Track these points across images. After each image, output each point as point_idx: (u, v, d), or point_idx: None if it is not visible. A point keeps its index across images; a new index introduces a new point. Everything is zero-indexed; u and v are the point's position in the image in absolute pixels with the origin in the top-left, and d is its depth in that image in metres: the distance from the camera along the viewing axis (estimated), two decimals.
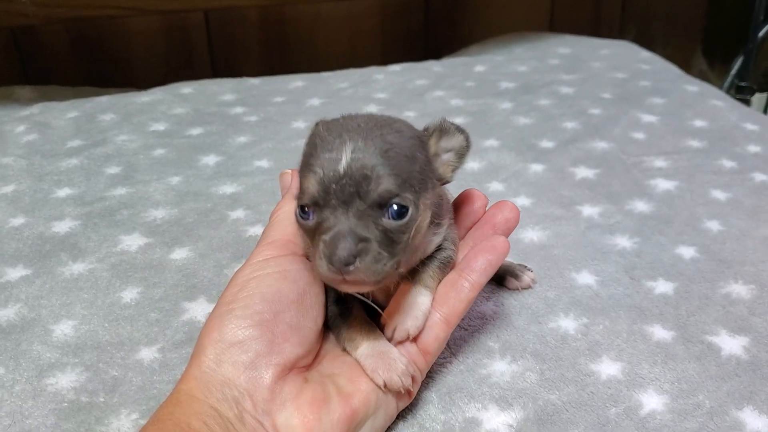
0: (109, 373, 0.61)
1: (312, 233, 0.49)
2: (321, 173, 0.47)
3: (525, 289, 0.72)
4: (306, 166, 0.49)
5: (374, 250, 0.46)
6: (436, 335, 0.55)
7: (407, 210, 0.48)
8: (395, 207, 0.47)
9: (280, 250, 0.54)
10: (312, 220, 0.48)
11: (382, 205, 0.47)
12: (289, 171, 0.61)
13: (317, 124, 0.54)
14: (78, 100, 1.23)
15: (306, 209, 0.49)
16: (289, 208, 0.57)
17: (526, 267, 0.73)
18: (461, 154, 0.55)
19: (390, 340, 0.54)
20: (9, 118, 1.15)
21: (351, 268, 0.45)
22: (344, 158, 0.47)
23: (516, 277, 0.72)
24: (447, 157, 0.54)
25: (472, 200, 0.61)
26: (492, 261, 0.55)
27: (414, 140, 0.51)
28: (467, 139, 0.54)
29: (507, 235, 0.59)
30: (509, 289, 0.72)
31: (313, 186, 0.48)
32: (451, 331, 0.56)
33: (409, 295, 0.55)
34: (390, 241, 0.47)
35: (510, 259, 0.74)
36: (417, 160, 0.50)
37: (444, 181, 0.55)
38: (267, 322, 0.49)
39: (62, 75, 1.57)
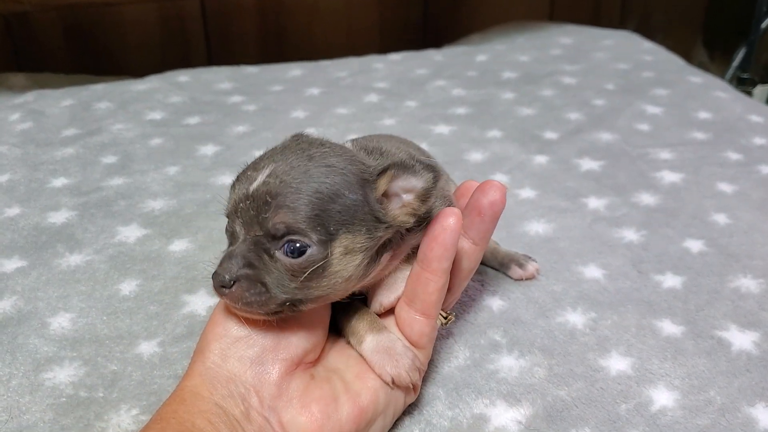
0: (108, 368, 0.59)
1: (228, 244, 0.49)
2: (237, 189, 0.47)
3: (529, 278, 0.71)
4: (235, 178, 0.49)
5: (256, 281, 0.45)
6: (419, 331, 0.52)
7: (305, 250, 0.45)
8: (289, 244, 0.45)
9: None
10: (228, 232, 0.48)
11: (276, 237, 0.45)
12: None
13: (292, 138, 0.53)
14: (73, 87, 1.21)
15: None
16: None
17: (530, 257, 0.72)
18: (423, 198, 0.48)
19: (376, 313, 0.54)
20: (2, 106, 1.13)
21: (225, 291, 0.45)
22: (257, 180, 0.46)
23: (520, 266, 0.71)
24: (407, 198, 0.49)
25: (469, 192, 0.58)
26: (445, 242, 0.49)
27: (348, 177, 0.46)
28: (432, 180, 0.48)
29: (496, 217, 0.53)
30: (513, 278, 0.71)
31: (229, 199, 0.47)
32: (437, 323, 0.53)
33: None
34: (284, 278, 0.45)
35: (516, 251, 0.74)
36: (340, 200, 0.45)
37: (399, 225, 0.49)
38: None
39: (55, 63, 1.55)
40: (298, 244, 0.45)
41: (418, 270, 0.51)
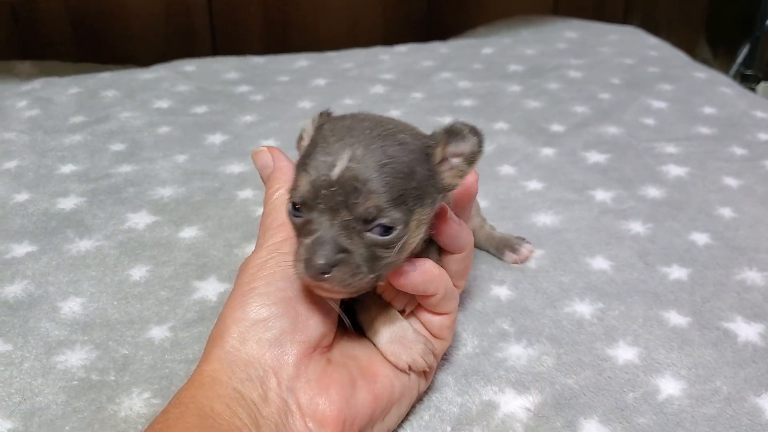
0: (119, 352, 0.60)
1: (299, 230, 0.48)
2: (314, 175, 0.46)
3: (523, 262, 0.72)
4: (302, 164, 0.48)
5: (353, 263, 0.45)
6: (440, 324, 0.54)
7: (393, 229, 0.46)
8: (380, 225, 0.46)
9: (292, 231, 0.53)
10: (301, 219, 0.48)
11: (368, 220, 0.46)
12: (264, 148, 0.59)
13: (321, 115, 0.53)
14: (79, 75, 1.21)
15: (297, 206, 0.48)
16: (286, 189, 0.56)
17: (524, 240, 0.73)
18: (471, 160, 0.50)
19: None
20: (10, 93, 1.13)
21: (326, 276, 0.45)
22: (339, 165, 0.46)
23: (514, 250, 0.72)
24: (455, 161, 0.50)
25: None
26: (411, 284, 0.50)
27: (417, 153, 0.48)
28: (479, 143, 0.50)
29: (453, 235, 0.53)
30: (509, 263, 0.72)
31: (304, 186, 0.47)
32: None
33: None
34: (373, 256, 0.46)
35: (510, 234, 0.74)
36: (415, 177, 0.47)
37: (450, 189, 0.51)
38: (290, 299, 0.48)
39: (61, 51, 1.55)
40: (387, 225, 0.46)
41: None
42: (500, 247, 0.72)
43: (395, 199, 0.46)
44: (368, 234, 0.46)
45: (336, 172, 0.45)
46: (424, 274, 0.50)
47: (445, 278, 0.52)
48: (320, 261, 0.44)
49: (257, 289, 0.48)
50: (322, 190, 0.46)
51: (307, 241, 0.46)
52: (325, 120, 0.53)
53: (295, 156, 0.66)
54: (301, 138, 0.54)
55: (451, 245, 0.54)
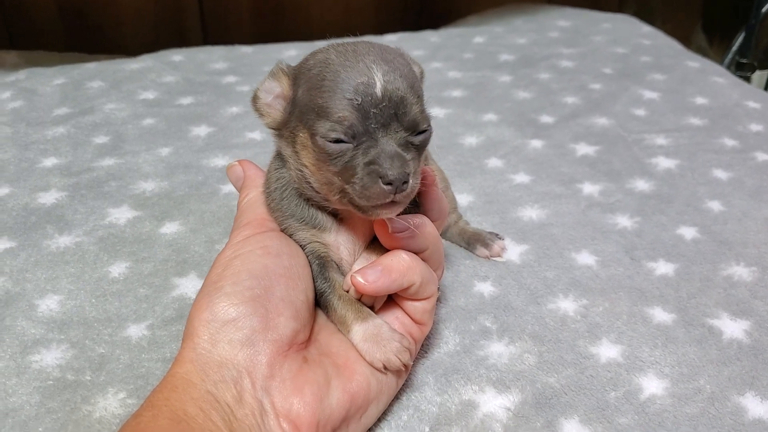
0: (95, 351, 0.59)
1: (340, 161, 0.47)
2: (358, 99, 0.46)
3: (495, 258, 0.71)
4: (331, 94, 0.47)
5: (414, 168, 0.48)
6: (422, 309, 0.54)
7: (428, 128, 0.49)
8: (423, 125, 0.48)
9: (258, 228, 0.53)
10: (345, 147, 0.47)
11: (417, 126, 0.48)
12: (236, 163, 0.60)
13: (286, 66, 0.52)
14: (65, 66, 1.20)
15: (333, 138, 0.47)
16: (256, 193, 0.57)
17: (497, 235, 0.73)
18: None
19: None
20: None
21: (407, 187, 0.46)
22: (378, 83, 0.46)
23: (486, 246, 0.71)
24: None
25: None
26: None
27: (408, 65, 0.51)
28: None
29: (400, 245, 0.53)
30: (480, 257, 0.71)
31: (349, 112, 0.46)
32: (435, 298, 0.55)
33: None
34: (415, 160, 0.48)
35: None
36: (417, 82, 0.51)
37: None
38: (258, 297, 0.47)
39: (48, 40, 1.53)
40: (426, 127, 0.49)
41: None
42: (472, 242, 0.72)
43: (421, 102, 0.49)
44: (413, 137, 0.48)
45: (378, 88, 0.46)
46: (392, 272, 0.50)
47: (419, 266, 0.52)
48: (404, 170, 0.46)
49: (224, 288, 0.47)
50: (372, 110, 0.46)
51: (376, 159, 0.46)
52: (305, 64, 0.51)
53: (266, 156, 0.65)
54: (257, 98, 0.53)
55: (434, 210, 0.54)
